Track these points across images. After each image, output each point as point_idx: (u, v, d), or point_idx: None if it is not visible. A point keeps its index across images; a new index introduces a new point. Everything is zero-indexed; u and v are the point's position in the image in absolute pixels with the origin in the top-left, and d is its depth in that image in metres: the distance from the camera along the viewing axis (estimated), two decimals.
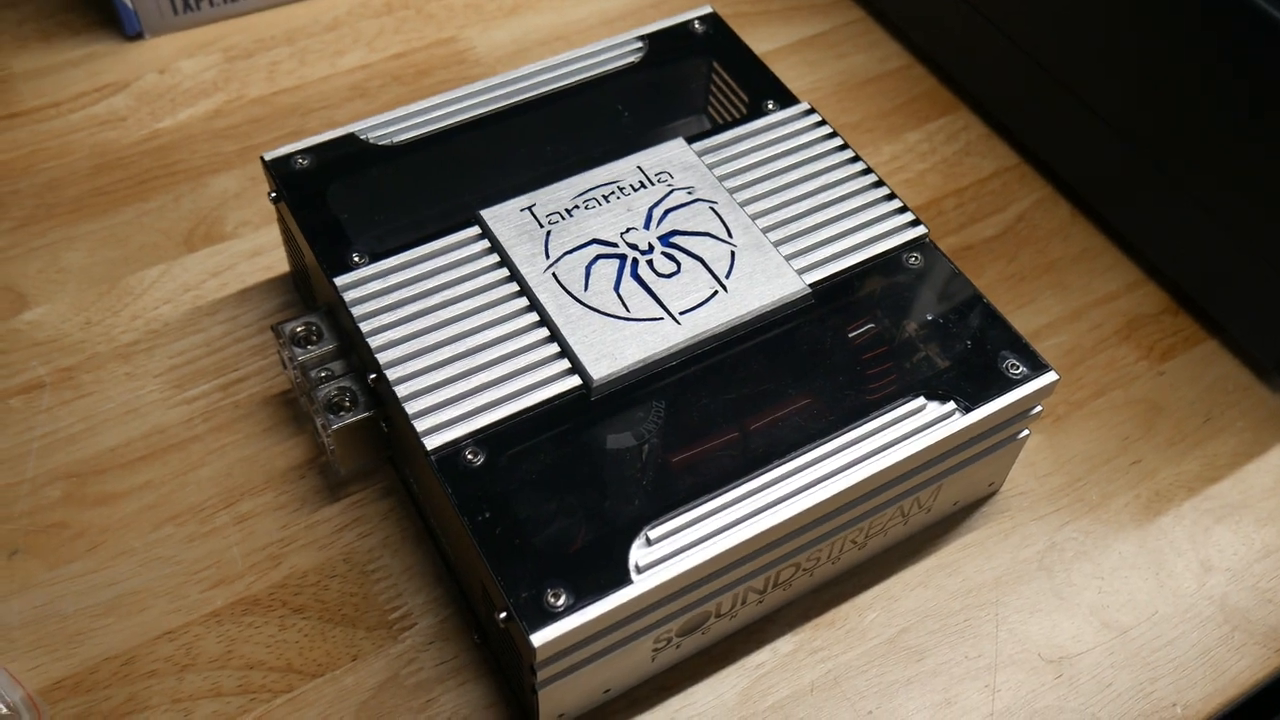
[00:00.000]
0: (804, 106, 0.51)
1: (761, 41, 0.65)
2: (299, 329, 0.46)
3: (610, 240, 0.45)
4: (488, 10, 0.66)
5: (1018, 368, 0.43)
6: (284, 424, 0.49)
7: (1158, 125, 0.53)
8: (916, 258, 0.46)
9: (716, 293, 0.44)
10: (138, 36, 0.62)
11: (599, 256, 0.45)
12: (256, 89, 0.61)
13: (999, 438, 0.45)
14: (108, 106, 0.59)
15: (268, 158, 0.48)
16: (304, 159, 0.48)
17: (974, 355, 0.44)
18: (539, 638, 0.36)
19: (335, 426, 0.44)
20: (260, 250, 0.54)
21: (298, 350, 0.46)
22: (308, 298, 0.52)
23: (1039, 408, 0.45)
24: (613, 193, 0.47)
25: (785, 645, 0.44)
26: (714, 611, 0.42)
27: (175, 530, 0.46)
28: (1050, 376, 0.43)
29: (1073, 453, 0.50)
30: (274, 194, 0.48)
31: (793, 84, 0.63)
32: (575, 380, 0.42)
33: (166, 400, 0.49)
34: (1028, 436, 0.46)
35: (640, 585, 0.37)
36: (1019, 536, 0.48)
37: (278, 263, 0.54)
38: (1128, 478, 0.49)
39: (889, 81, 0.64)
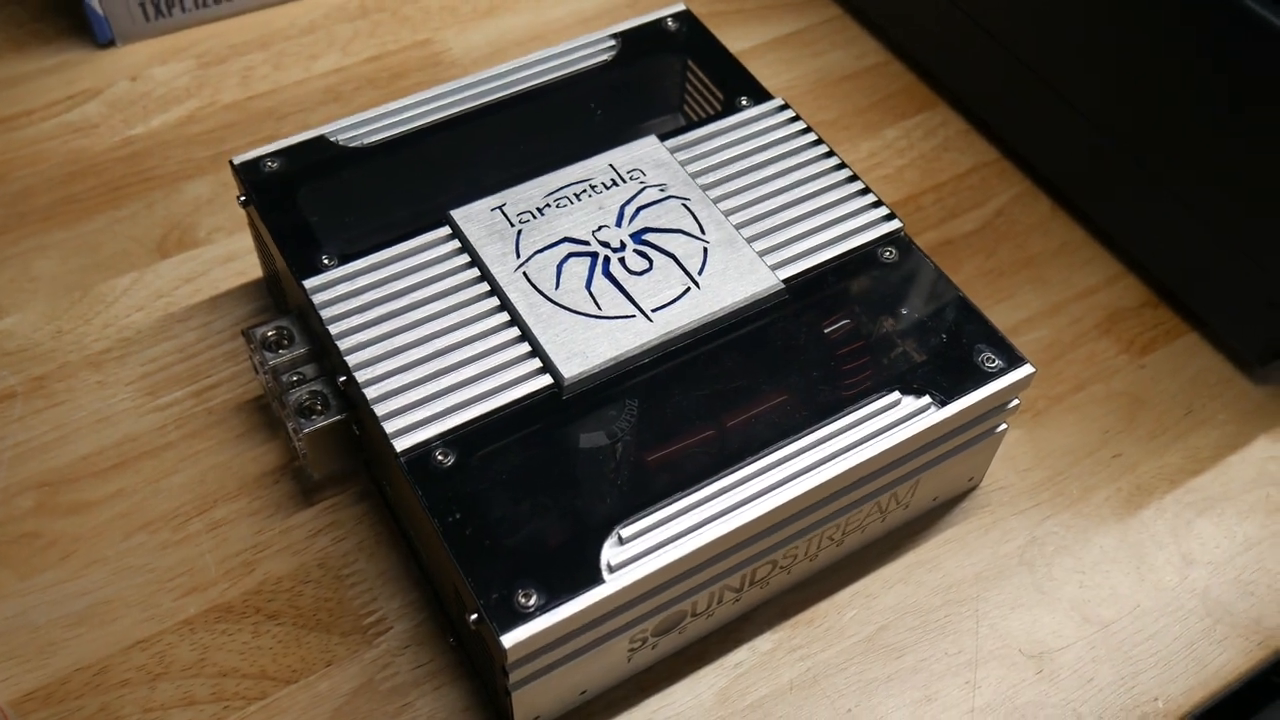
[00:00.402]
0: (778, 102, 0.51)
1: (736, 40, 0.65)
2: (270, 333, 0.46)
3: (582, 238, 0.45)
4: (463, 12, 0.65)
5: (993, 361, 0.43)
6: (257, 429, 0.49)
7: (1137, 120, 0.53)
8: (891, 252, 0.46)
9: (689, 289, 0.44)
10: (110, 44, 0.62)
11: (570, 255, 0.45)
12: (230, 94, 0.61)
13: (976, 432, 0.44)
14: (80, 114, 0.59)
15: (236, 161, 0.48)
16: (273, 162, 0.48)
17: (949, 349, 0.43)
18: (510, 638, 0.36)
19: (307, 430, 0.44)
20: (233, 256, 0.54)
21: (269, 355, 0.45)
22: (280, 302, 0.51)
23: (1016, 401, 0.44)
24: (584, 191, 0.47)
25: (764, 644, 0.44)
26: (690, 610, 0.41)
27: (148, 538, 0.46)
28: (1026, 370, 0.43)
29: (1053, 447, 0.50)
30: (243, 198, 0.47)
31: (768, 82, 0.62)
32: (546, 379, 0.42)
33: (139, 408, 0.49)
34: (1006, 431, 0.46)
35: (613, 584, 0.37)
36: (999, 531, 0.47)
37: (251, 268, 0.54)
38: (1109, 471, 0.49)
39: (866, 78, 0.64)
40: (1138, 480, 0.49)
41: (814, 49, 0.65)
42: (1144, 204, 0.54)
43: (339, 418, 0.44)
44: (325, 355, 0.45)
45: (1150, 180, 0.53)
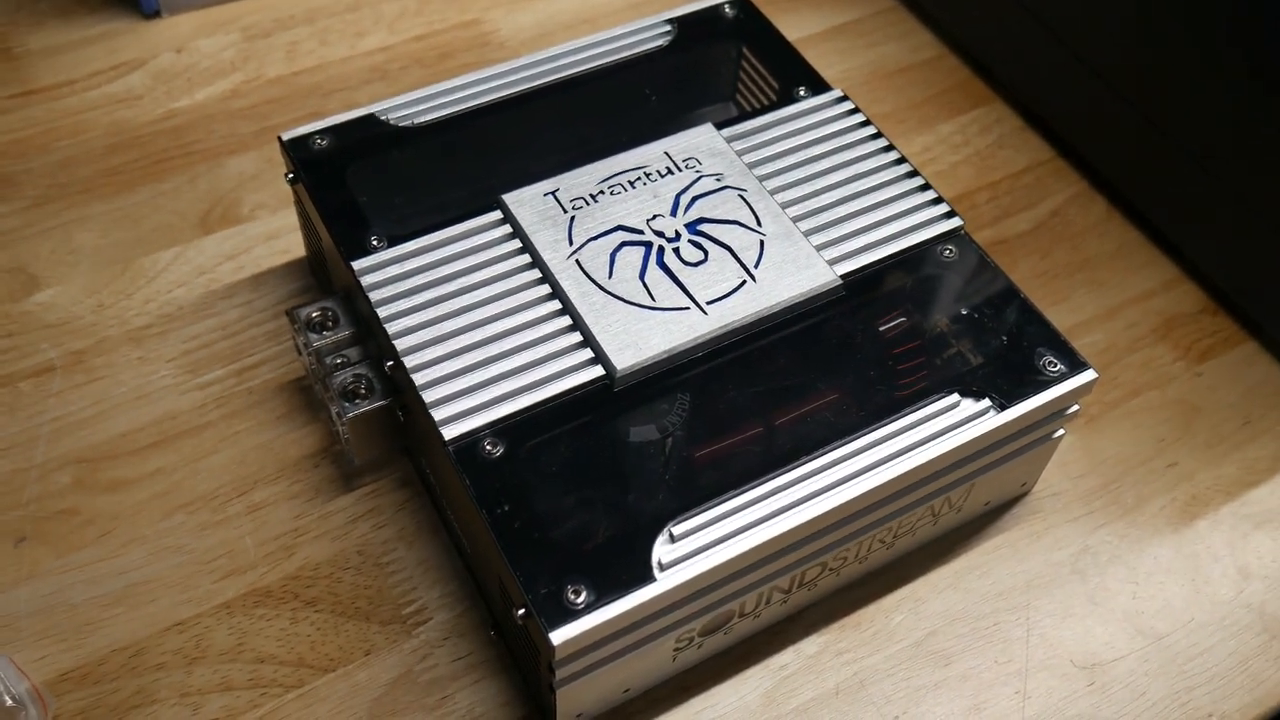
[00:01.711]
0: (836, 94, 0.50)
1: (790, 28, 0.63)
2: (314, 314, 0.45)
3: (636, 227, 0.44)
4: None
5: (1055, 365, 0.42)
6: (298, 411, 0.48)
7: (1198, 120, 0.51)
8: (951, 250, 0.45)
9: (745, 282, 0.43)
10: (155, 14, 0.61)
11: (624, 244, 0.44)
12: (275, 69, 0.60)
13: (1034, 437, 0.43)
14: (124, 85, 0.58)
15: (285, 138, 0.47)
16: (322, 140, 0.47)
17: (1010, 352, 0.42)
18: (558, 636, 0.35)
19: (350, 415, 0.43)
20: (277, 233, 0.53)
21: (313, 336, 0.45)
22: (324, 282, 0.50)
23: (1076, 407, 0.43)
24: (639, 179, 0.46)
25: (809, 647, 0.43)
26: (738, 611, 0.40)
27: (187, 519, 0.45)
28: (1089, 375, 0.42)
29: (1107, 454, 0.49)
30: (291, 175, 0.46)
31: (822, 73, 0.61)
32: (598, 370, 0.41)
33: (179, 385, 0.48)
34: (1063, 436, 0.44)
35: (663, 583, 0.36)
36: (1051, 539, 0.46)
37: (294, 246, 0.53)
38: (1164, 480, 0.48)
39: (921, 72, 0.62)
40: (1193, 490, 0.48)
41: (868, 40, 0.64)
42: (1203, 207, 0.53)
43: (383, 403, 0.43)
44: (371, 338, 0.44)
45: (1210, 183, 0.52)
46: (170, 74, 0.59)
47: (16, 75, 0.58)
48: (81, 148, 0.56)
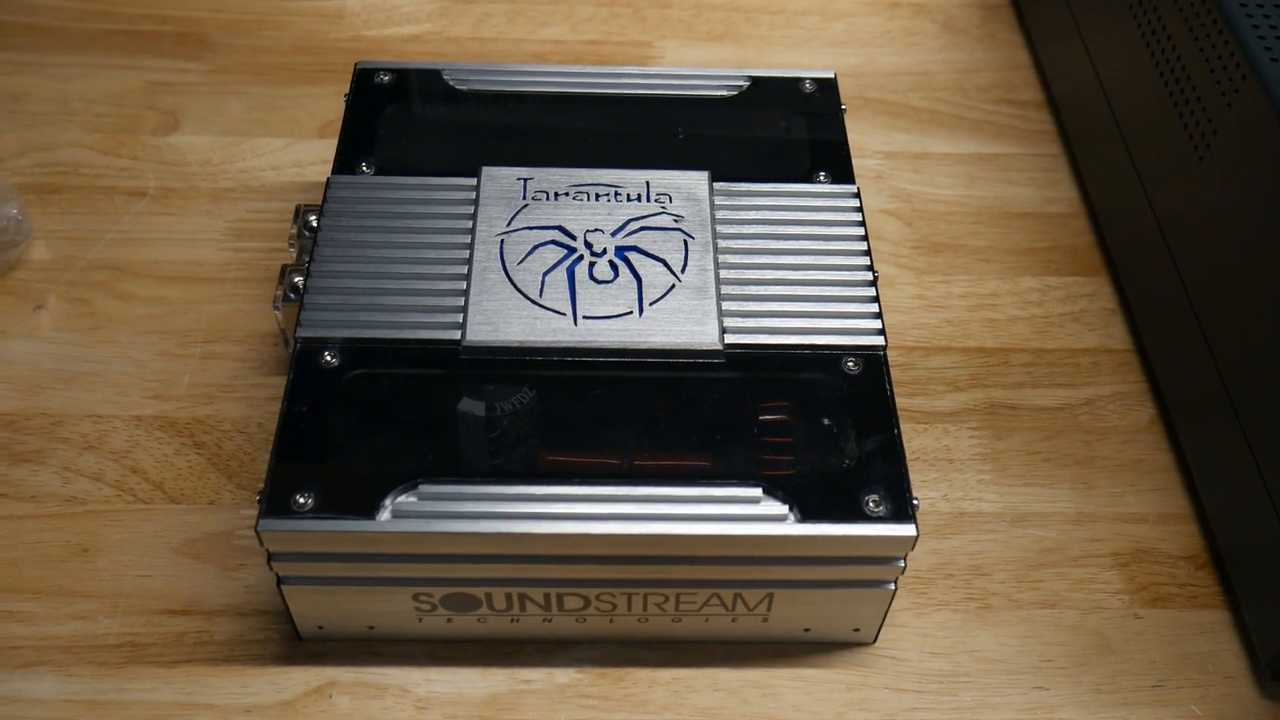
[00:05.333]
0: (851, 189, 0.49)
1: (938, 142, 0.62)
2: (312, 216, 0.51)
3: (571, 231, 0.46)
4: (696, 29, 0.67)
5: (879, 506, 0.39)
6: None
7: (1269, 386, 0.44)
8: (854, 364, 0.43)
9: (630, 314, 0.44)
10: None
11: (551, 242, 0.46)
12: (459, 30, 0.66)
13: (847, 575, 0.41)
14: (336, 5, 0.67)
15: (359, 66, 0.53)
16: (385, 76, 0.52)
17: (843, 477, 0.40)
18: (265, 524, 0.38)
19: (283, 305, 0.48)
20: None
21: (305, 234, 0.50)
22: None
23: (902, 563, 0.40)
24: (607, 194, 0.47)
25: (563, 677, 0.43)
26: (484, 601, 0.41)
27: (157, 342, 0.52)
28: (907, 530, 0.39)
29: (976, 645, 0.44)
30: (348, 96, 0.52)
31: (941, 190, 0.60)
32: (455, 334, 0.43)
33: (220, 243, 0.56)
34: (893, 592, 0.41)
35: (381, 525, 0.38)
36: (860, 695, 0.43)
37: None
38: (1021, 700, 0.43)
39: (1042, 222, 0.59)
40: None
41: (1009, 175, 0.61)
42: (1239, 463, 0.46)
43: None
44: None
45: (1253, 441, 0.45)
46: (377, 8, 0.67)
47: None
48: (277, 41, 0.65)
